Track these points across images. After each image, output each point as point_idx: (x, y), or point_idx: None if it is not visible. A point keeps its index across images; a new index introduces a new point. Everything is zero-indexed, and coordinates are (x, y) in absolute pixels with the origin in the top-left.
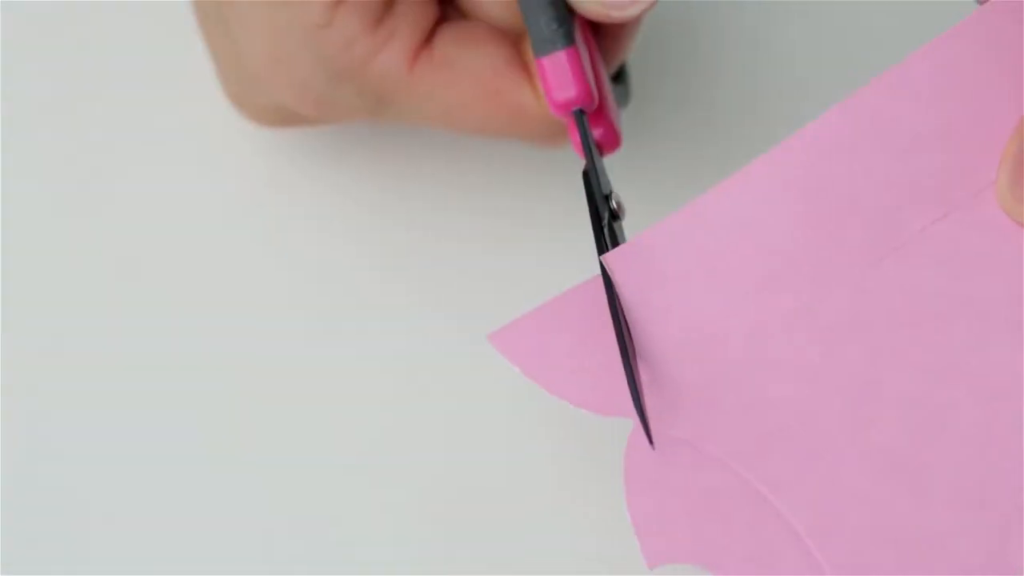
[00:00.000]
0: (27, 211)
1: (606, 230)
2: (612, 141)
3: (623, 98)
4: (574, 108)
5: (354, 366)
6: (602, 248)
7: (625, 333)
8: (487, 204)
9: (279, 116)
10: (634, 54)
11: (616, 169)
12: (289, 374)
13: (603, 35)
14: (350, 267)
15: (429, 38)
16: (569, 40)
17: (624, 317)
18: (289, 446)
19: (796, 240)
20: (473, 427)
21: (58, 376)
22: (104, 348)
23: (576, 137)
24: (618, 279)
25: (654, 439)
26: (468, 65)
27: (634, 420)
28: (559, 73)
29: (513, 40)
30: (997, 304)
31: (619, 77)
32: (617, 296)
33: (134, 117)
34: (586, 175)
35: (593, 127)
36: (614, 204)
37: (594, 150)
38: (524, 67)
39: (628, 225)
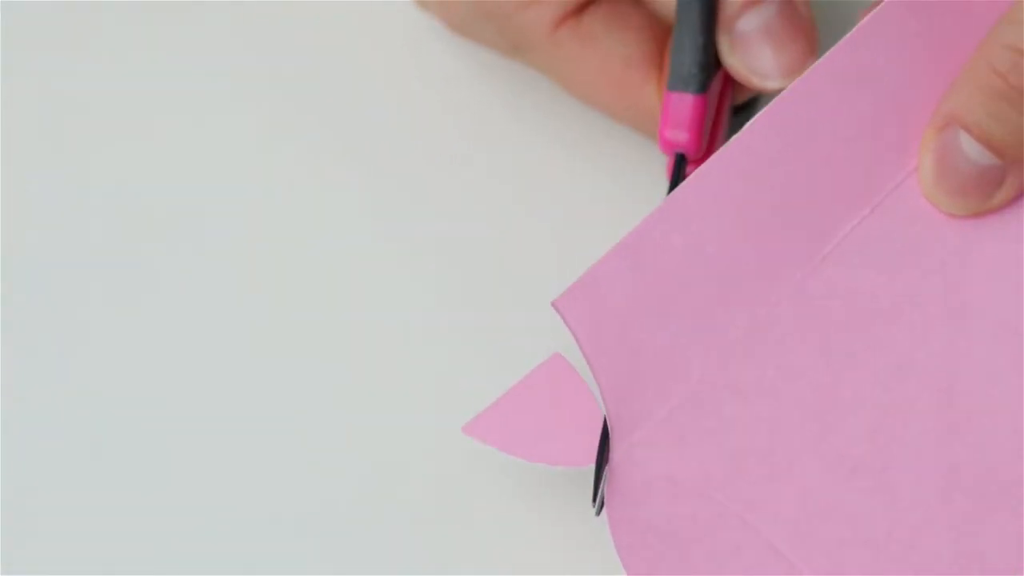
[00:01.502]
0: (31, 207)
1: None
2: None
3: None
4: (677, 151)
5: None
6: None
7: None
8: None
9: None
10: None
11: None
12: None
13: (739, 84)
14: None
15: (583, 8)
16: (702, 88)
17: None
18: (295, 446)
19: (738, 257)
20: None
21: (58, 375)
22: (108, 345)
23: (671, 173)
24: (569, 321)
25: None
26: (606, 47)
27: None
28: (679, 114)
29: (662, 35)
30: (932, 295)
31: (750, 104)
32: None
33: (134, 116)
34: None
35: (691, 165)
36: None
37: None
38: (659, 66)
39: None
